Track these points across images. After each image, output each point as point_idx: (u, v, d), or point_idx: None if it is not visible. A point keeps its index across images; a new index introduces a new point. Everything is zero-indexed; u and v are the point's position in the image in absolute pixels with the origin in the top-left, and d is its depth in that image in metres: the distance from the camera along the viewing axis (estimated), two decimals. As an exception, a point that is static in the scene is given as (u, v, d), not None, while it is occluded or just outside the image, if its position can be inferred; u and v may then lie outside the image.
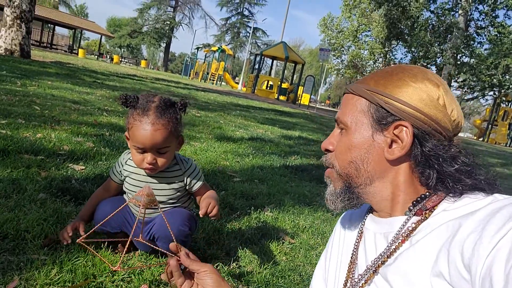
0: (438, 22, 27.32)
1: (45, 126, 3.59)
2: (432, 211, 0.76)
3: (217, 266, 1.85)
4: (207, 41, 70.06)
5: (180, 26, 60.59)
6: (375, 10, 31.36)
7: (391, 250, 0.78)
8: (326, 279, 1.00)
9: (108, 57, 39.99)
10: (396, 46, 34.73)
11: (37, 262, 1.49)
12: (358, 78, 42.02)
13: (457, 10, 26.38)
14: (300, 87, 23.72)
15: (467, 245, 0.61)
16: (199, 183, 1.70)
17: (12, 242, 1.60)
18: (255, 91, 23.63)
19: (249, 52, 53.18)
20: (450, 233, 0.67)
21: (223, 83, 33.02)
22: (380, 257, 0.80)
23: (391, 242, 0.79)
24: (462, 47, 25.66)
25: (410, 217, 0.78)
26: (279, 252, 2.15)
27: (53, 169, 2.56)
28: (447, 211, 0.74)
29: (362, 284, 0.82)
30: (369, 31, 35.49)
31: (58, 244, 1.65)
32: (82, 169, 2.70)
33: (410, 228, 0.77)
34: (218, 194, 2.82)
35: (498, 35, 24.80)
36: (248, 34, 62.79)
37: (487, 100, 28.65)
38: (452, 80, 27.08)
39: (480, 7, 26.02)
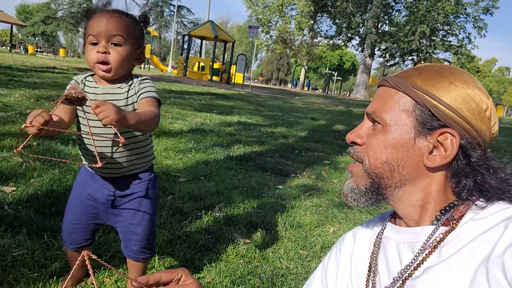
0: (358, -7, 28.30)
1: (-39, 144, 3.24)
2: (459, 221, 0.74)
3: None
4: (130, 23, 66.60)
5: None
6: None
7: (418, 262, 0.75)
8: None
9: (22, 48, 36.66)
10: (321, 19, 35.55)
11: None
12: (288, 52, 42.70)
13: (375, -21, 27.47)
14: (232, 66, 23.55)
15: (507, 260, 0.61)
16: (146, 94, 1.42)
17: None
18: (187, 73, 23.08)
19: (176, 32, 51.55)
20: (486, 249, 0.65)
21: (151, 66, 31.85)
22: (407, 269, 0.76)
23: (418, 253, 0.76)
24: (382, 16, 26.87)
25: (438, 227, 0.76)
26: (235, 256, 2.16)
27: (-21, 197, 2.32)
28: (476, 221, 0.72)
29: None
30: (294, 4, 35.88)
31: None
32: (13, 191, 2.49)
33: (437, 239, 0.74)
34: (165, 199, 2.75)
35: (414, 2, 26.26)
36: (172, 13, 60.65)
37: (407, 65, 30.40)
38: (375, 49, 28.41)
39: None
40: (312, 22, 34.25)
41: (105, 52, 1.36)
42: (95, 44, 1.37)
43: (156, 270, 1.93)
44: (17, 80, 8.68)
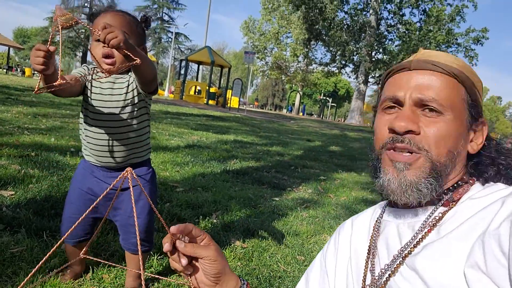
0: (352, 22, 29.04)
1: (-41, 152, 3.25)
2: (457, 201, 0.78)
3: (172, 283, 1.82)
4: (128, 48, 67.43)
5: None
6: (293, 13, 32.48)
7: (418, 240, 0.77)
8: (328, 282, 0.96)
9: (18, 70, 36.95)
10: (316, 46, 36.26)
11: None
12: (283, 78, 43.32)
13: (368, 10, 28.25)
14: (228, 90, 23.82)
15: (503, 233, 0.62)
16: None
17: None
18: (184, 97, 23.29)
19: (173, 58, 52.27)
20: (484, 224, 0.68)
21: (148, 91, 32.06)
22: (407, 246, 0.78)
23: (418, 231, 0.78)
24: (375, 44, 27.52)
25: (437, 207, 0.78)
26: (233, 258, 2.17)
27: (-21, 198, 2.33)
28: (473, 199, 0.75)
29: (389, 274, 0.78)
30: (289, 33, 36.67)
31: None
32: (12, 195, 2.49)
33: (437, 218, 0.77)
34: (163, 205, 2.76)
35: (406, 32, 26.99)
36: (170, 40, 61.66)
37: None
38: (369, 76, 28.94)
39: (389, 6, 28.12)
40: (306, 49, 34.92)
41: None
42: (100, 40, 1.43)
43: (155, 269, 1.93)
44: (14, 98, 8.74)
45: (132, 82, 1.53)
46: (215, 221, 2.67)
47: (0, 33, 35.13)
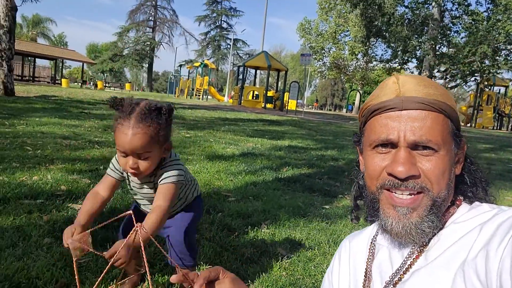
0: (413, 16, 27.87)
1: (39, 168, 3.67)
2: (444, 224, 0.80)
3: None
4: (189, 57, 70.52)
5: (161, 45, 60.85)
6: (351, 12, 31.86)
7: (407, 266, 0.80)
8: None
9: (91, 83, 39.99)
10: (375, 43, 35.24)
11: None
12: (342, 78, 42.54)
13: (430, 2, 26.96)
14: (285, 93, 23.95)
15: (479, 263, 0.68)
16: (164, 181, 1.57)
17: (25, 290, 1.69)
18: (242, 102, 23.80)
19: (232, 64, 53.55)
20: (464, 252, 0.72)
21: (209, 97, 33.18)
22: (397, 273, 0.81)
23: (407, 257, 0.81)
24: (439, 37, 26.18)
25: None
26: (278, 268, 2.26)
27: (54, 211, 2.64)
28: (456, 224, 0.79)
29: None
30: (347, 31, 35.99)
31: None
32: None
33: (424, 243, 0.80)
34: (215, 215, 2.93)
35: (473, 22, 25.37)
36: (228, 46, 63.24)
37: (470, 86, 29.12)
38: (435, 71, 27.57)
39: (453, -3, 26.65)
40: (366, 47, 34.04)
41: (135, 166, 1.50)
42: (123, 153, 1.49)
43: None
44: (87, 112, 9.52)
45: (156, 183, 1.62)
46: (263, 231, 2.78)
47: (75, 50, 38.22)
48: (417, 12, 27.56)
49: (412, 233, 0.78)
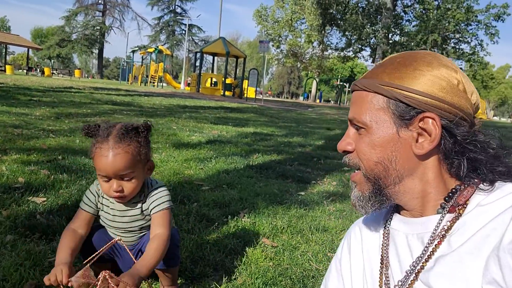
0: (367, 5, 28.48)
1: (-10, 159, 3.33)
2: (465, 207, 0.74)
3: (209, 286, 1.83)
4: (142, 42, 67.95)
5: (112, 30, 58.23)
6: (306, -2, 32.04)
7: (429, 253, 0.75)
8: None
9: (38, 70, 37.63)
10: (330, 32, 35.75)
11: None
12: (299, 66, 42.91)
13: (383, -9, 27.65)
14: (244, 80, 23.78)
15: None
16: (158, 208, 1.52)
17: (-12, 298, 1.48)
18: (200, 89, 23.38)
19: (187, 50, 52.42)
20: (496, 236, 0.66)
21: (164, 84, 32.32)
22: (419, 261, 0.77)
23: (428, 244, 0.76)
24: (392, 26, 26.95)
25: (444, 215, 0.76)
26: (264, 258, 2.16)
27: (14, 205, 2.38)
28: (482, 206, 0.72)
29: None
30: (303, 19, 36.22)
31: (40, 292, 1.55)
32: (44, 201, 2.54)
33: (445, 227, 0.74)
34: (191, 206, 2.78)
35: (424, 11, 26.32)
36: (183, 32, 61.73)
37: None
38: (386, 59, 28.46)
39: (404, -15, 27.48)
40: (321, 35, 34.45)
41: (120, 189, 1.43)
42: (106, 178, 1.42)
43: (189, 272, 1.95)
44: (37, 99, 8.91)
45: (146, 209, 1.55)
46: (243, 220, 2.67)
47: (19, 35, 35.79)
48: (371, 0, 28.19)
49: (356, 205, 0.85)
